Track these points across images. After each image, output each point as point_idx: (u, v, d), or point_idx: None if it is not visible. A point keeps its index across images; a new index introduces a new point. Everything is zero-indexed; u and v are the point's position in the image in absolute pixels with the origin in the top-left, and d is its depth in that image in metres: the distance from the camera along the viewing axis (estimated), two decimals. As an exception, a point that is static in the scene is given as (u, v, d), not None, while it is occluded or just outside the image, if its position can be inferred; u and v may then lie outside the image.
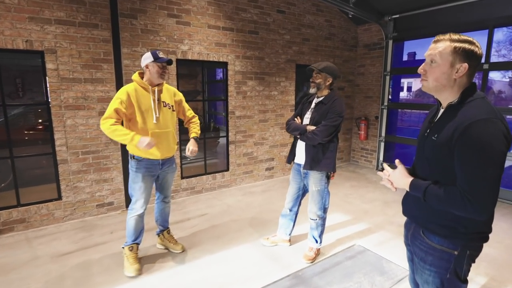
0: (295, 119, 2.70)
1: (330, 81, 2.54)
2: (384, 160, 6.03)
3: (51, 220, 3.55)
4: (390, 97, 5.93)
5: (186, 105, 2.85)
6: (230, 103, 4.69)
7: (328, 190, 2.70)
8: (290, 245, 3.09)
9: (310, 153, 2.55)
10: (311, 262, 2.79)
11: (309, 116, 2.62)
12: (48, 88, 3.36)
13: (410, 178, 1.37)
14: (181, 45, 4.08)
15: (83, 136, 3.59)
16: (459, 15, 4.63)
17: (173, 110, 2.66)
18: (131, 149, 2.54)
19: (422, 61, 1.33)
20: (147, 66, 2.47)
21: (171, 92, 2.67)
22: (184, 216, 3.83)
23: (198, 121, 2.88)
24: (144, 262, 2.79)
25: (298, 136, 2.64)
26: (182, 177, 4.44)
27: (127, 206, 3.96)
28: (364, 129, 6.16)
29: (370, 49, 5.96)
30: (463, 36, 1.22)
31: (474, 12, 4.49)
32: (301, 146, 2.66)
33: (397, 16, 5.34)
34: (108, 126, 2.31)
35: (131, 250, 2.66)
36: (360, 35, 6.10)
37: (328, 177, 2.65)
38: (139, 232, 2.69)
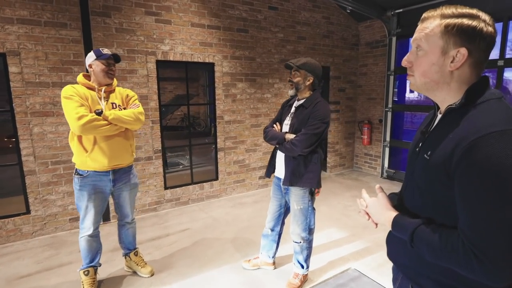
0: (274, 125, 2.33)
1: (311, 81, 2.14)
2: (390, 167, 5.57)
3: (19, 236, 3.27)
4: (395, 98, 5.48)
5: (135, 102, 2.35)
6: (218, 107, 4.35)
7: (313, 208, 2.31)
8: (275, 268, 2.71)
9: (290, 166, 2.17)
10: (296, 291, 2.40)
11: (289, 122, 2.24)
12: (12, 94, 3.09)
13: (393, 213, 0.98)
14: (162, 45, 3.77)
15: (53, 145, 3.31)
16: (470, 7, 4.17)
17: None
18: (76, 161, 2.19)
19: None
20: (90, 66, 2.15)
21: (123, 95, 2.33)
22: (163, 231, 3.49)
23: (131, 114, 2.21)
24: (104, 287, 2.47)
25: (277, 146, 2.27)
26: (166, 188, 4.11)
27: (104, 219, 3.66)
28: (368, 133, 5.72)
29: (373, 47, 5.53)
30: (462, 8, 0.83)
31: (487, 3, 4.03)
32: (280, 157, 2.28)
33: (401, 10, 4.90)
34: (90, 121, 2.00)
35: (86, 275, 2.34)
36: (362, 33, 5.68)
37: (312, 194, 2.26)
38: (94, 253, 2.36)
